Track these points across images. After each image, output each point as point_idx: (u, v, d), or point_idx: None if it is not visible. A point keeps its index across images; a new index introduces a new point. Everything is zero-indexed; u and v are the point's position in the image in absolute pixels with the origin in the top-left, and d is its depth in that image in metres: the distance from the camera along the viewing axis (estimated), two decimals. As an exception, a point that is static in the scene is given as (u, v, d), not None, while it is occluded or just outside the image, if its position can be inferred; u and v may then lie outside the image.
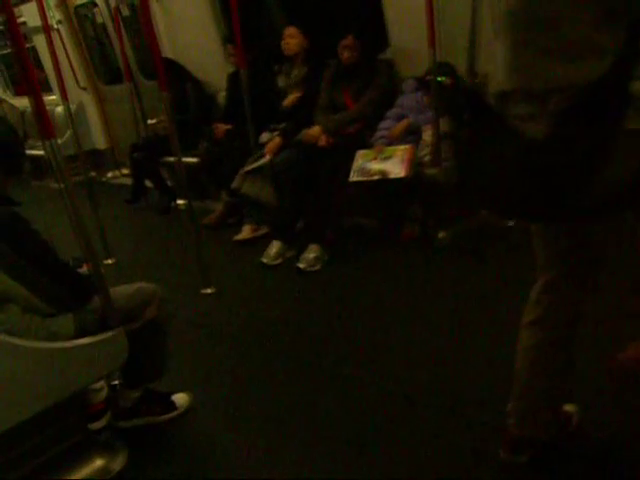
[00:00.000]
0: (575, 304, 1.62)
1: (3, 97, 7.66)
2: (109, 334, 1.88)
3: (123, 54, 5.60)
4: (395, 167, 3.30)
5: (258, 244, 3.86)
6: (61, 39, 5.95)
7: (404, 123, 3.52)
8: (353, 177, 3.41)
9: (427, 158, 3.40)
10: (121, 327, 1.91)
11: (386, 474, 1.84)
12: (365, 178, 3.38)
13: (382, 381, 2.30)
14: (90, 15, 6.29)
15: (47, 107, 1.80)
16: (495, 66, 1.45)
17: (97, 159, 6.80)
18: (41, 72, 6.40)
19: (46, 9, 4.11)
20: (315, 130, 3.70)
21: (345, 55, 3.68)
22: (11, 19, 1.73)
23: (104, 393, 1.98)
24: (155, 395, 2.24)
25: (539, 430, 1.73)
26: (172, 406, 2.25)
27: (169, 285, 2.57)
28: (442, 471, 1.81)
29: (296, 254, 3.56)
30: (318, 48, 3.97)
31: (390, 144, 3.48)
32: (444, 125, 3.35)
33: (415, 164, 3.32)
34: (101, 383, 1.97)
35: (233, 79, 4.47)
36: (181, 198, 4.87)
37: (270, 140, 3.98)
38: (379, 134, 3.60)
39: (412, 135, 3.51)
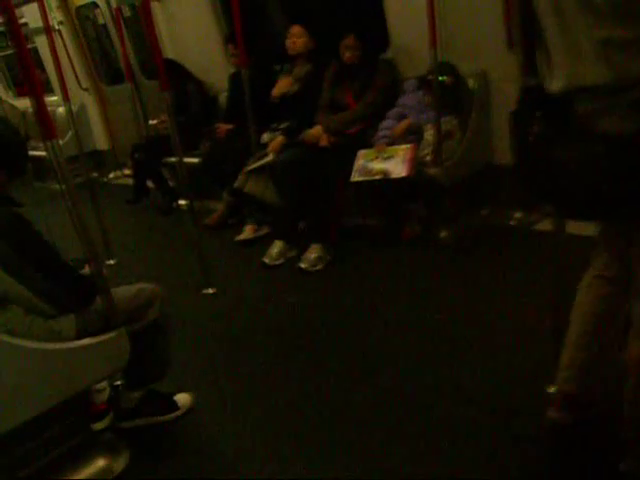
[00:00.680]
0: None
1: (4, 98, 7.67)
2: (111, 335, 1.88)
3: (124, 55, 5.60)
4: (397, 167, 3.30)
5: (259, 244, 3.86)
6: (62, 40, 5.95)
7: (405, 123, 3.52)
8: (355, 177, 3.41)
9: (428, 158, 3.40)
10: (123, 328, 1.91)
11: (387, 474, 1.84)
12: (367, 178, 3.37)
13: (384, 380, 2.30)
14: (91, 16, 6.30)
15: (48, 108, 1.81)
16: (550, 66, 1.44)
17: (99, 160, 6.81)
18: (42, 73, 6.40)
19: (47, 10, 4.11)
20: (316, 130, 3.70)
21: (347, 55, 3.68)
22: (12, 20, 1.74)
23: (106, 394, 1.99)
24: (157, 395, 2.24)
25: (591, 386, 1.77)
26: (174, 406, 2.25)
27: (170, 285, 2.58)
28: (443, 472, 1.82)
29: (298, 254, 3.56)
30: (322, 47, 3.96)
31: (392, 144, 3.48)
32: (445, 124, 3.35)
33: (417, 164, 3.32)
34: (103, 384, 1.97)
35: (234, 79, 4.47)
36: (182, 198, 4.84)
37: (272, 139, 3.99)
38: (380, 134, 3.60)
39: (413, 135, 3.51)
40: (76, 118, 4.93)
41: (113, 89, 6.42)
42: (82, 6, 6.07)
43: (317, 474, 1.88)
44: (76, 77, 6.32)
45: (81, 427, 1.97)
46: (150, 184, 5.28)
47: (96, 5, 5.93)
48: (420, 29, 3.18)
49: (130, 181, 5.56)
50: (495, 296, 2.80)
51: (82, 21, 6.24)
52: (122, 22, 5.64)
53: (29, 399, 1.74)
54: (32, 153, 5.26)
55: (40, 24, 4.06)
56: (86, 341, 1.84)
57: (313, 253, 3.46)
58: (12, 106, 7.38)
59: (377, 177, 3.34)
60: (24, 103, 6.78)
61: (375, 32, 3.84)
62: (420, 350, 2.48)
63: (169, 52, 5.15)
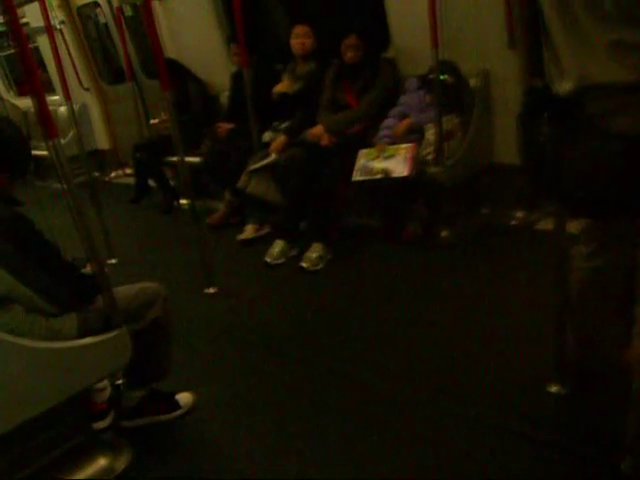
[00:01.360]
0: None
1: (6, 97, 7.67)
2: (113, 334, 1.88)
3: (126, 54, 5.60)
4: (398, 166, 3.30)
5: (261, 243, 3.86)
6: (64, 39, 5.95)
7: (406, 122, 3.52)
8: (356, 176, 3.40)
9: (430, 157, 3.39)
10: (124, 327, 1.91)
11: (386, 474, 1.84)
12: (368, 177, 3.37)
13: (385, 380, 2.30)
14: (93, 15, 6.30)
15: (50, 107, 1.81)
16: (559, 66, 1.44)
17: (100, 159, 6.81)
18: (44, 72, 6.41)
19: (49, 10, 4.11)
20: (318, 129, 3.69)
21: (349, 54, 3.68)
22: (14, 20, 1.74)
23: (108, 393, 1.99)
24: (159, 394, 2.24)
25: (596, 358, 1.89)
26: (176, 405, 2.26)
27: (172, 285, 2.57)
28: (443, 471, 1.82)
29: (299, 253, 3.56)
30: (325, 46, 3.96)
31: (393, 143, 3.47)
32: (447, 124, 3.35)
33: (418, 163, 3.31)
34: (105, 383, 1.97)
35: (236, 79, 4.46)
36: (184, 198, 4.87)
37: (273, 139, 3.99)
38: (382, 133, 3.60)
39: (415, 134, 3.51)
40: (77, 117, 4.93)
41: (114, 88, 6.41)
42: (83, 5, 6.07)
43: (317, 474, 1.88)
44: (77, 77, 6.33)
45: (82, 426, 1.98)
46: (151, 183, 5.28)
47: (97, 4, 5.93)
48: (422, 28, 3.17)
49: (131, 180, 5.57)
50: (496, 295, 2.79)
51: (83, 20, 6.24)
52: (123, 21, 5.64)
53: (30, 398, 1.74)
54: (33, 152, 5.27)
55: (41, 24, 4.06)
56: (87, 340, 1.84)
57: (314, 252, 3.46)
58: (14, 105, 7.38)
59: (378, 176, 3.34)
60: (26, 102, 6.79)
61: (376, 31, 3.84)
62: (421, 349, 2.48)
63: (170, 51, 5.15)
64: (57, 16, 5.85)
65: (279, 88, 4.09)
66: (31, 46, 6.02)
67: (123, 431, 2.14)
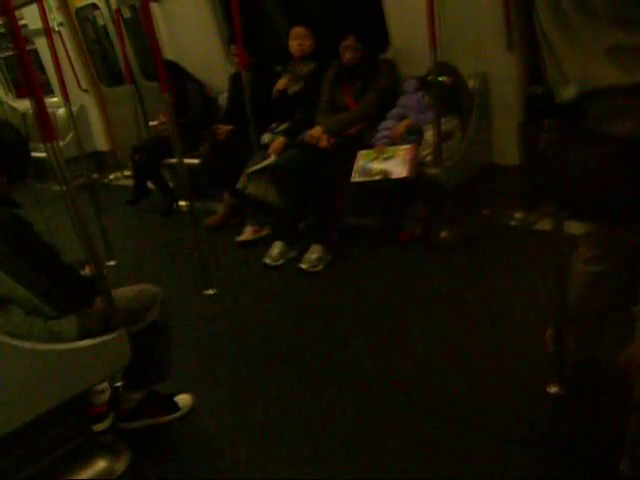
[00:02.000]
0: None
1: (5, 99, 7.67)
2: (112, 336, 1.88)
3: (124, 56, 5.60)
4: (397, 167, 3.30)
5: (260, 245, 3.86)
6: (62, 41, 5.95)
7: (404, 123, 3.52)
8: (355, 177, 3.40)
9: (429, 158, 3.39)
10: (124, 329, 1.91)
11: (385, 475, 1.84)
12: (367, 178, 3.37)
13: (384, 381, 2.30)
14: (91, 17, 6.30)
15: (49, 109, 1.81)
16: (561, 72, 1.44)
17: (99, 161, 6.81)
18: (42, 74, 6.41)
19: (47, 12, 4.11)
20: (316, 131, 3.70)
21: (347, 56, 3.68)
22: (12, 22, 1.74)
23: (107, 395, 1.99)
24: (158, 396, 2.24)
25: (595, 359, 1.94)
26: (175, 407, 2.26)
27: (171, 286, 2.58)
28: (443, 472, 1.82)
29: (298, 254, 3.56)
30: (324, 47, 3.96)
31: (392, 144, 3.48)
32: (445, 125, 3.35)
33: (417, 164, 3.32)
34: (104, 385, 1.97)
35: (235, 80, 4.47)
36: (183, 199, 4.86)
37: (272, 140, 3.99)
38: (380, 134, 3.60)
39: (413, 135, 3.51)
40: (76, 119, 4.92)
41: (113, 90, 6.42)
42: (82, 7, 6.07)
43: (317, 475, 1.88)
44: (76, 78, 6.33)
45: (82, 428, 1.97)
46: (150, 185, 5.28)
47: (96, 6, 5.93)
48: (420, 29, 3.17)
49: (130, 182, 5.56)
50: (495, 296, 2.79)
51: (82, 22, 6.25)
52: (122, 23, 5.64)
53: (30, 400, 1.74)
54: (32, 155, 5.26)
55: (40, 25, 4.06)
56: (87, 342, 1.84)
57: (313, 254, 3.46)
58: (12, 108, 7.38)
59: (377, 178, 3.34)
60: (24, 104, 6.79)
61: (375, 33, 3.84)
62: (419, 351, 2.48)
63: (169, 53, 5.15)
64: (56, 18, 5.86)
65: (279, 85, 4.09)
66: (29, 48, 6.03)
67: (122, 433, 2.14)
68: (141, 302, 2.04)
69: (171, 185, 5.25)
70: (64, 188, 1.81)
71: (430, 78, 3.30)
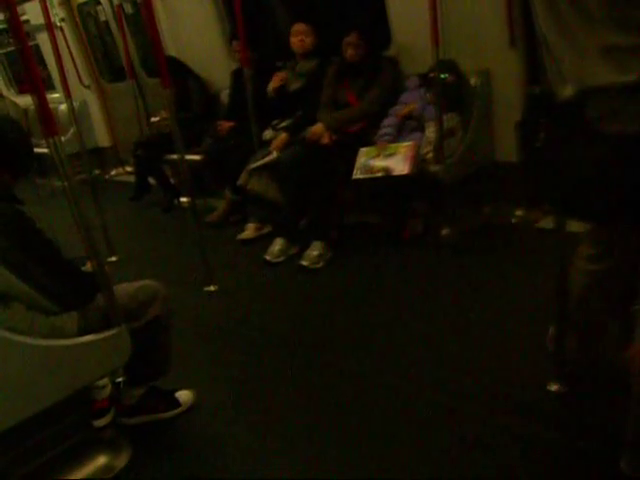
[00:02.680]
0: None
1: (6, 95, 7.67)
2: (113, 332, 1.88)
3: (126, 52, 5.60)
4: (399, 164, 3.29)
5: (261, 241, 3.86)
6: (64, 37, 5.95)
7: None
8: (356, 174, 3.40)
9: (430, 155, 3.39)
10: (124, 325, 1.91)
11: (388, 473, 1.84)
12: (368, 175, 3.37)
13: (385, 378, 2.30)
14: (93, 13, 6.30)
15: (50, 105, 1.80)
16: (560, 72, 1.44)
17: (100, 157, 6.82)
18: (44, 70, 6.40)
19: (49, 7, 4.10)
20: (318, 128, 3.69)
21: (349, 52, 3.67)
22: (14, 17, 1.73)
23: (108, 390, 1.99)
24: (158, 392, 2.24)
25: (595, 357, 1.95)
26: (175, 403, 2.26)
27: (172, 282, 2.57)
28: (443, 469, 1.82)
29: (299, 251, 3.56)
30: (326, 44, 3.95)
31: (393, 141, 3.47)
32: (447, 122, 3.35)
33: (418, 161, 3.31)
34: (105, 380, 1.97)
35: (237, 76, 4.46)
36: (184, 195, 4.87)
37: (273, 137, 3.98)
38: (382, 131, 3.60)
39: (415, 132, 3.51)
40: (78, 115, 4.93)
41: (115, 86, 6.42)
42: (84, 3, 6.07)
43: (317, 474, 1.87)
44: (78, 74, 6.33)
45: (82, 424, 1.98)
46: (152, 181, 5.29)
47: (98, 2, 5.93)
48: (422, 26, 3.17)
49: (132, 178, 5.57)
50: (497, 293, 2.80)
51: (84, 18, 6.25)
52: (124, 19, 5.64)
53: (31, 396, 1.74)
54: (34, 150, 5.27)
55: (42, 21, 4.05)
56: (88, 338, 1.84)
57: (314, 251, 3.46)
58: (14, 103, 7.38)
59: (379, 175, 3.33)
60: (26, 100, 6.79)
61: (378, 29, 3.83)
62: (420, 347, 2.48)
63: (171, 49, 5.15)
64: (57, 13, 5.86)
65: (272, 85, 4.08)
66: (31, 44, 6.02)
67: (123, 429, 2.14)
68: (142, 298, 2.05)
69: (172, 181, 5.26)
70: (65, 184, 1.81)
71: (432, 75, 3.30)
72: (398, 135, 3.57)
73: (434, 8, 3.04)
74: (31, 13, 5.68)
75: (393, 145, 3.42)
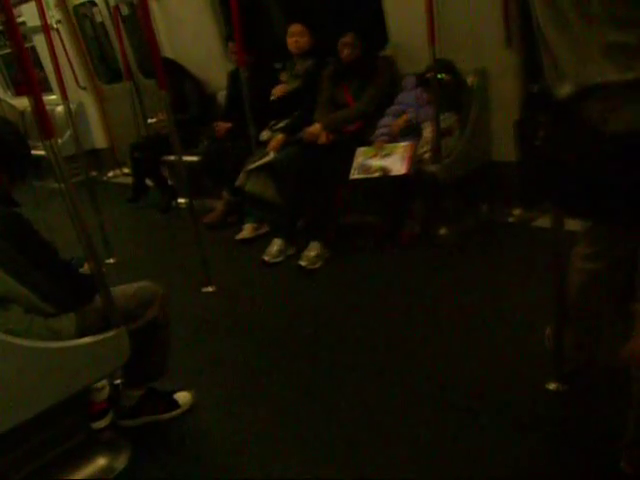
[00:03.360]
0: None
1: (3, 97, 7.66)
2: (111, 333, 1.88)
3: (123, 53, 5.60)
4: (396, 164, 3.29)
5: (259, 242, 3.86)
6: (61, 39, 5.94)
7: (403, 119, 3.52)
8: (354, 174, 3.40)
9: (427, 155, 3.39)
10: (123, 326, 1.91)
11: (388, 472, 1.84)
12: (366, 175, 3.37)
13: (384, 378, 2.30)
14: (89, 14, 6.30)
15: (47, 107, 1.80)
16: (558, 70, 1.44)
17: (97, 158, 6.81)
18: (41, 72, 6.40)
19: (45, 9, 4.10)
20: (315, 128, 3.69)
21: (345, 52, 3.67)
22: (10, 19, 1.73)
23: (106, 392, 1.99)
24: (157, 394, 2.24)
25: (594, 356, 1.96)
26: (174, 404, 2.26)
27: (170, 284, 2.57)
28: (444, 467, 1.82)
29: (297, 252, 3.56)
30: (323, 44, 3.96)
31: (391, 141, 3.48)
32: (444, 121, 3.35)
33: (416, 161, 3.31)
34: (103, 382, 1.97)
35: (234, 77, 4.46)
36: (182, 197, 4.87)
37: (270, 138, 3.98)
38: (379, 131, 3.60)
39: (412, 132, 3.51)
40: (75, 117, 4.94)
41: (111, 88, 6.41)
42: (80, 4, 6.07)
43: (317, 474, 1.88)
44: (74, 76, 6.32)
45: (81, 426, 1.98)
46: (149, 183, 5.28)
47: (94, 3, 5.92)
48: (419, 26, 3.17)
49: (129, 180, 5.57)
50: (495, 292, 2.80)
51: (80, 20, 6.24)
52: (120, 20, 5.64)
53: (29, 398, 1.74)
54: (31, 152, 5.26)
55: (38, 23, 4.05)
56: (86, 340, 1.84)
57: (312, 251, 3.46)
58: (11, 105, 7.37)
59: (376, 175, 3.34)
60: (23, 102, 6.78)
61: (374, 29, 3.83)
62: (419, 347, 2.48)
63: (167, 51, 5.15)
64: (54, 15, 5.85)
65: (278, 91, 4.08)
66: (28, 45, 6.02)
67: (122, 430, 2.14)
68: (140, 299, 2.04)
69: (170, 182, 5.25)
70: (62, 186, 1.81)
71: (429, 75, 3.30)
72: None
73: (430, 7, 3.04)
74: (27, 15, 5.69)
75: (390, 145, 3.42)
